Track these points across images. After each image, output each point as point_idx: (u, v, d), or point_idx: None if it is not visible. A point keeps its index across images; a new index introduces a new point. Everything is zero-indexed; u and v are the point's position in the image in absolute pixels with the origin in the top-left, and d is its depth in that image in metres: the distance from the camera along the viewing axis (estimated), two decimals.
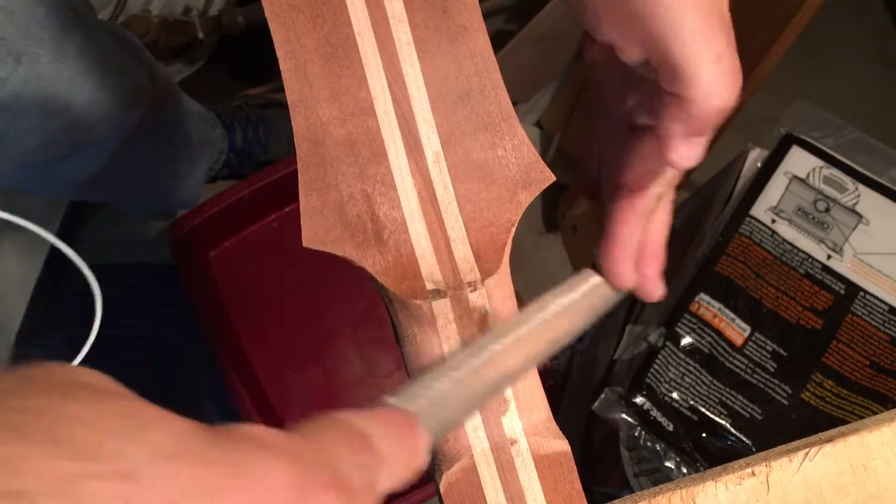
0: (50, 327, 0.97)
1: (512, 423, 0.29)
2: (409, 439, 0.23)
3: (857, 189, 0.74)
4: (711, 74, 0.26)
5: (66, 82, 0.59)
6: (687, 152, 0.28)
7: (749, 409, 0.67)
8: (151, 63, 0.79)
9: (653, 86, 0.29)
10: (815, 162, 0.75)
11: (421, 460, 0.23)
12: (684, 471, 0.66)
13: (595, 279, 0.32)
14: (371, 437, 0.21)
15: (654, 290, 0.33)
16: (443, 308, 0.29)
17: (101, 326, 0.40)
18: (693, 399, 0.67)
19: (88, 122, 0.63)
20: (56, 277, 1.01)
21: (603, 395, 0.70)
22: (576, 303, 0.31)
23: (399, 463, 0.22)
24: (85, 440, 0.16)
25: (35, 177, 0.73)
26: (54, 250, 0.97)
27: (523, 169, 0.31)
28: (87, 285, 0.40)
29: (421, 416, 0.24)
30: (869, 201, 0.73)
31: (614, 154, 0.33)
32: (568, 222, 1.10)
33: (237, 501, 0.17)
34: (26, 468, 0.15)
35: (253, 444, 0.18)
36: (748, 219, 0.73)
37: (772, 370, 0.68)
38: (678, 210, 0.96)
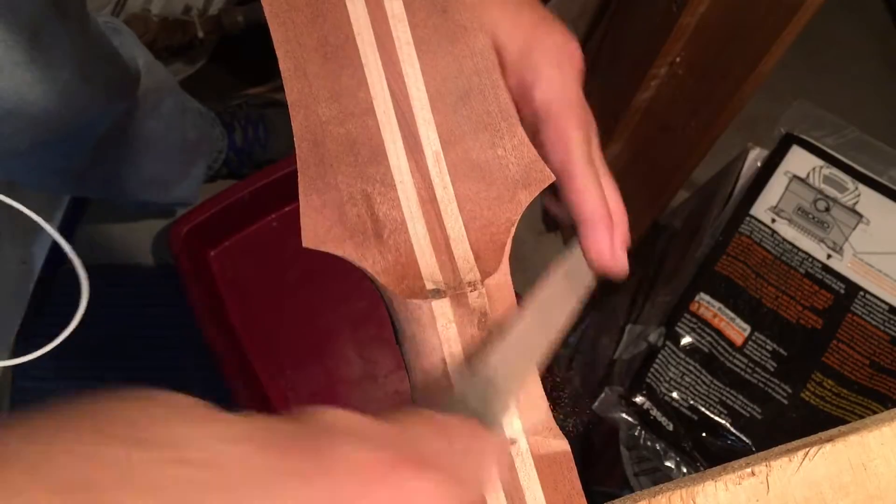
0: (50, 326, 0.97)
1: (511, 423, 0.29)
2: (483, 436, 0.24)
3: (857, 189, 0.74)
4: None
5: (39, 71, 0.58)
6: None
7: (749, 409, 0.67)
8: (146, 57, 0.79)
9: None
10: (815, 161, 0.75)
11: (496, 453, 0.25)
12: (684, 470, 0.66)
13: (573, 260, 0.33)
14: (452, 426, 0.22)
15: (621, 264, 0.32)
16: (443, 308, 0.29)
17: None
18: (693, 398, 0.67)
19: (64, 112, 0.63)
20: (56, 277, 1.01)
21: (603, 395, 0.70)
22: (566, 288, 0.32)
23: (479, 456, 0.23)
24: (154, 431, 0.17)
25: (22, 168, 0.73)
26: (53, 251, 0.97)
27: (523, 169, 0.31)
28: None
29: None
30: (869, 201, 0.73)
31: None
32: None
33: (317, 484, 0.17)
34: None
35: (336, 429, 0.19)
36: (748, 218, 0.73)
37: (772, 370, 0.68)
38: (678, 210, 0.96)
